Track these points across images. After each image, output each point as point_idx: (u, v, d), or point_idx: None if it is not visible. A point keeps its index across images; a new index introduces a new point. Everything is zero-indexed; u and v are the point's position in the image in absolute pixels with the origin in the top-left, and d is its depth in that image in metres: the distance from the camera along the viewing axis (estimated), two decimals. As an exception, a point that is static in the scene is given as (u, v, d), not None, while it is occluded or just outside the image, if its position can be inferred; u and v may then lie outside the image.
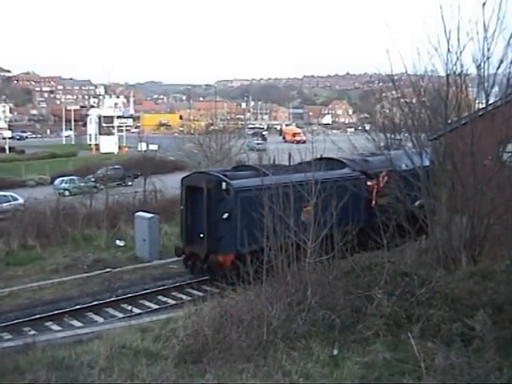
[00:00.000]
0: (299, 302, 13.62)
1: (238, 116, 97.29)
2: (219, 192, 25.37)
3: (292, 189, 18.72)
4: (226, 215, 25.02)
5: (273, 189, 19.03)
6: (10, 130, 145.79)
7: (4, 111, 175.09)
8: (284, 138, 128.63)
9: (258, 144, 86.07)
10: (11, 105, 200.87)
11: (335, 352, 12.14)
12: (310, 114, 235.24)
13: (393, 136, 29.70)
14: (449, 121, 19.65)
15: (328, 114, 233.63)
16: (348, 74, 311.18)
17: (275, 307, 13.11)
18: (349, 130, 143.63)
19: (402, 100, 23.39)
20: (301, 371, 11.19)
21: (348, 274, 15.28)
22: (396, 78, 22.16)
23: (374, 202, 28.95)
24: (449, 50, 17.96)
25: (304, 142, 73.65)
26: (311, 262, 14.58)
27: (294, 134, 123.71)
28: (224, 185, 25.24)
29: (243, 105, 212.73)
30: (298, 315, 13.21)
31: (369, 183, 29.40)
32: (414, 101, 22.40)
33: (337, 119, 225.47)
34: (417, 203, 22.73)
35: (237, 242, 24.26)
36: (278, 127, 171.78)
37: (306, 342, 12.49)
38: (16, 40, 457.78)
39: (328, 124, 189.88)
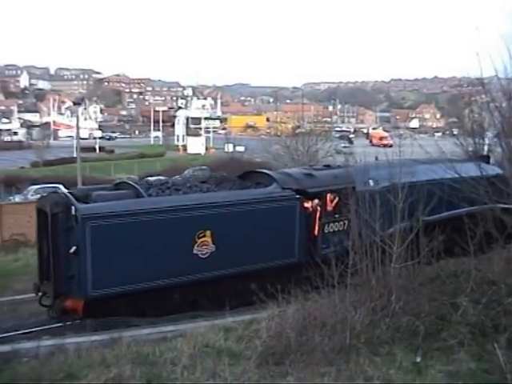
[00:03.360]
0: (383, 307, 13.51)
1: (324, 119, 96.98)
2: (68, 219, 18.68)
3: (185, 213, 18.03)
4: (73, 249, 18.39)
5: (150, 214, 17.95)
6: (100, 130, 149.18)
7: (95, 112, 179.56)
8: (371, 141, 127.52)
9: (344, 147, 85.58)
10: (102, 106, 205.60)
11: (418, 359, 12.00)
12: (397, 117, 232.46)
13: (481, 141, 27.23)
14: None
15: (415, 117, 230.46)
16: (436, 77, 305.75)
17: (359, 312, 13.04)
18: (436, 134, 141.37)
19: (491, 104, 22.57)
20: (383, 377, 11.11)
21: (433, 280, 15.08)
22: (486, 81, 21.43)
23: (315, 230, 22.30)
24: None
25: (391, 145, 72.87)
26: (396, 267, 14.43)
27: (381, 138, 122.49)
28: (73, 209, 18.57)
29: (330, 108, 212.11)
30: (382, 320, 13.11)
31: (307, 205, 22.27)
32: (504, 105, 21.64)
33: (424, 123, 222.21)
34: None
35: (87, 283, 18.05)
36: (365, 130, 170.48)
37: (389, 348, 12.39)
38: (107, 43, 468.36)
39: (415, 128, 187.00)
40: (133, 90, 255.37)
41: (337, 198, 22.32)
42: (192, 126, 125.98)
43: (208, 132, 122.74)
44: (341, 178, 22.16)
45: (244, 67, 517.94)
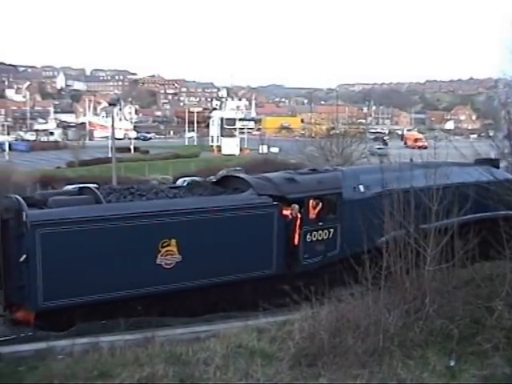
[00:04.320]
0: (417, 309, 13.44)
1: (359, 120, 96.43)
2: (19, 225, 17.43)
3: (144, 222, 16.98)
4: (23, 257, 17.09)
5: (107, 222, 16.93)
6: (135, 130, 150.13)
7: (130, 113, 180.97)
8: (405, 143, 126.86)
9: (379, 149, 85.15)
10: (137, 106, 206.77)
11: (452, 363, 11.93)
12: (432, 119, 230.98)
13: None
14: None
15: (450, 119, 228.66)
16: (472, 78, 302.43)
17: (392, 314, 12.99)
18: (471, 136, 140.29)
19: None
20: (416, 380, 11.07)
21: (468, 283, 14.97)
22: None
23: (296, 239, 20.59)
24: None
25: (426, 147, 72.40)
26: (430, 269, 14.34)
27: (416, 140, 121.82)
28: (24, 215, 17.31)
29: (364, 109, 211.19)
30: (415, 323, 13.04)
31: (286, 212, 20.58)
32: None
33: (459, 125, 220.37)
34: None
35: (38, 294, 16.75)
36: (400, 132, 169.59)
37: (423, 351, 12.32)
38: (142, 44, 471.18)
39: (450, 130, 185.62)
40: (168, 91, 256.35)
41: (320, 205, 21.00)
42: (226, 126, 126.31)
43: (242, 133, 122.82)
44: (326, 183, 21.38)
45: (279, 68, 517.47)
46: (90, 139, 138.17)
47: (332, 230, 21.12)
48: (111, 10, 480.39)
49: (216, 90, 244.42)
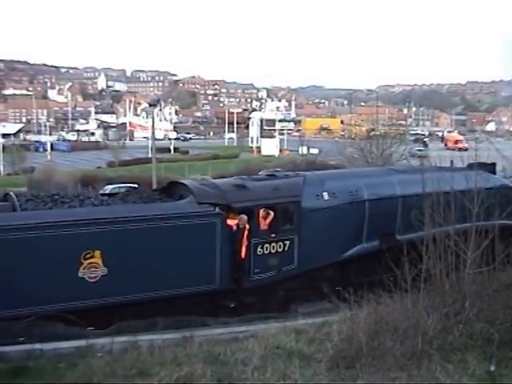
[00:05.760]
0: (456, 313, 13.31)
1: (399, 122, 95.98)
2: None
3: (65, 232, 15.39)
4: None
5: (18, 231, 15.32)
6: (175, 131, 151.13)
7: (170, 113, 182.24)
8: (446, 144, 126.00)
9: (419, 150, 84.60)
10: (177, 107, 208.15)
11: (492, 368, 11.78)
12: (473, 120, 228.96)
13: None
14: None
15: (492, 120, 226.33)
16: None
17: (431, 317, 12.88)
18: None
19: None
20: (455, 384, 10.98)
21: (509, 287, 14.77)
22: None
23: (243, 252, 18.53)
24: None
25: (466, 149, 71.80)
26: (470, 272, 14.20)
27: (456, 141, 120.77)
28: None
29: (405, 110, 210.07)
30: (455, 327, 12.92)
31: (231, 223, 18.55)
32: None
33: (501, 126, 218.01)
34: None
35: None
36: (440, 134, 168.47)
37: (462, 355, 12.19)
38: (183, 45, 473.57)
39: (491, 131, 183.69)
40: (207, 92, 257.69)
41: (273, 215, 19.00)
42: (266, 127, 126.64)
43: (282, 134, 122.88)
44: (282, 191, 19.40)
45: (318, 69, 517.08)
46: (130, 139, 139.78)
47: (288, 242, 19.14)
48: (153, 12, 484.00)
49: (256, 91, 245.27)
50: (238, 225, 18.46)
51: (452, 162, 21.48)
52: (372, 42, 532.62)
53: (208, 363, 12.06)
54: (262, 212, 18.91)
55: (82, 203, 17.56)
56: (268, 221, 19.02)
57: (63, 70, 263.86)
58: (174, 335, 15.46)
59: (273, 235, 18.94)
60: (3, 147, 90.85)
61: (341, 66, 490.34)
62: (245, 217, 18.42)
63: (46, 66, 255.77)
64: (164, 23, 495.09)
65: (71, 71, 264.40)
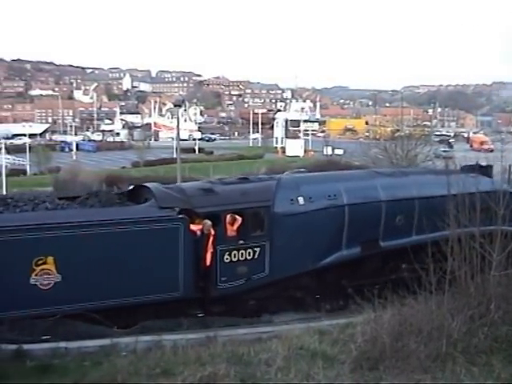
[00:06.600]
0: (481, 315, 13.21)
1: (424, 122, 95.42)
2: None
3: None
4: None
5: None
6: (199, 131, 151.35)
7: (195, 114, 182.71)
8: (471, 146, 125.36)
9: (444, 151, 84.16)
10: (202, 108, 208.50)
11: (518, 371, 11.72)
12: (499, 121, 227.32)
13: None
14: None
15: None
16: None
17: (456, 319, 12.81)
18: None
19: None
20: (480, 388, 10.91)
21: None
22: None
23: (207, 259, 17.78)
24: None
25: (492, 150, 71.43)
26: (496, 274, 14.11)
27: (482, 143, 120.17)
28: None
29: (430, 111, 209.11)
30: (480, 329, 12.83)
31: (194, 228, 17.74)
32: None
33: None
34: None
35: None
36: (465, 135, 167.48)
37: (487, 358, 12.11)
38: (208, 46, 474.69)
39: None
40: (232, 93, 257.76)
41: (240, 220, 18.26)
42: (291, 128, 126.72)
43: (307, 135, 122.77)
44: (251, 195, 18.67)
45: (343, 70, 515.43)
46: (155, 140, 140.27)
47: (258, 248, 18.45)
48: (179, 12, 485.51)
49: (280, 92, 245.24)
50: (202, 230, 17.76)
51: (477, 163, 21.18)
52: (397, 42, 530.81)
53: (231, 363, 12.08)
54: (228, 217, 18.24)
55: (36, 207, 17.13)
56: (236, 227, 18.34)
57: (89, 71, 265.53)
58: (198, 335, 15.52)
59: (241, 242, 18.31)
60: (29, 147, 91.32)
61: (366, 66, 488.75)
62: (209, 222, 17.76)
63: (72, 66, 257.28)
64: (190, 24, 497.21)
65: (97, 72, 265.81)
